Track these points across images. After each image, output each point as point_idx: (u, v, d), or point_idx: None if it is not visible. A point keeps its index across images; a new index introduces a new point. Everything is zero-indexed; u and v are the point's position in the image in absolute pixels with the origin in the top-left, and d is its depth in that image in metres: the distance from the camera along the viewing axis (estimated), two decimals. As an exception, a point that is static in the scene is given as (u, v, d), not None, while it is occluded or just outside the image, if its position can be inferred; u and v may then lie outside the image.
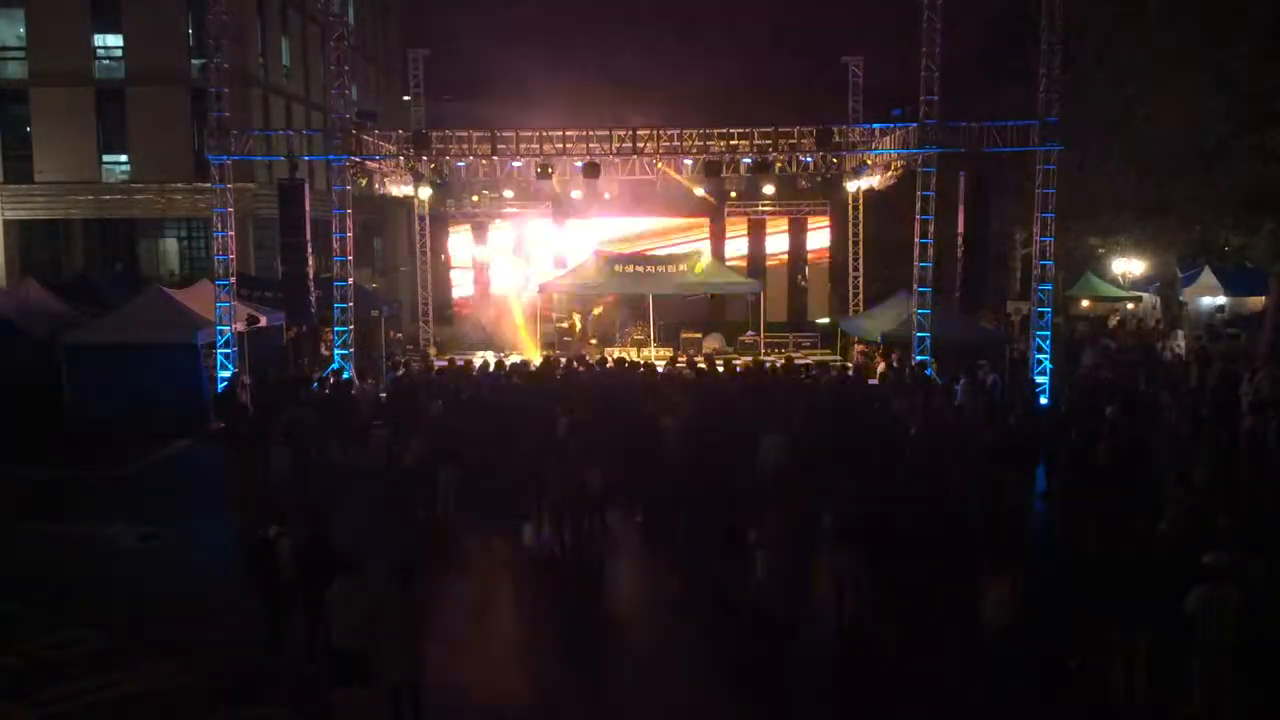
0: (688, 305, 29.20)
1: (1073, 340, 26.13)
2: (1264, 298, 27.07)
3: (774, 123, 23.90)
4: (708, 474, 13.72)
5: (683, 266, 27.78)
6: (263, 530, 10.02)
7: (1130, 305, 35.15)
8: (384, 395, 20.37)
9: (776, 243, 31.08)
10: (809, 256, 31.03)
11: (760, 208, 30.42)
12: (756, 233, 31.07)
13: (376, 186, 25.72)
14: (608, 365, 21.29)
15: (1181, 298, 32.77)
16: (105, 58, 32.42)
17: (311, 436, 16.39)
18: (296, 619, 9.76)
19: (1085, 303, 35.68)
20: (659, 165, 24.43)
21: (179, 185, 31.97)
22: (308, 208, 21.29)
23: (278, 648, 9.84)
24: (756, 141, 24.06)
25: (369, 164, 23.87)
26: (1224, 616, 8.53)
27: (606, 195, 26.76)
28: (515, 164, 24.14)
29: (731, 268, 29.58)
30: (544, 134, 23.65)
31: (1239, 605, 8.56)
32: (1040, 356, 20.76)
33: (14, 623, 11.05)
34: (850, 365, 23.75)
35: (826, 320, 30.42)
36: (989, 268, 24.73)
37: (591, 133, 23.49)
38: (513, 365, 21.03)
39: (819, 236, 30.91)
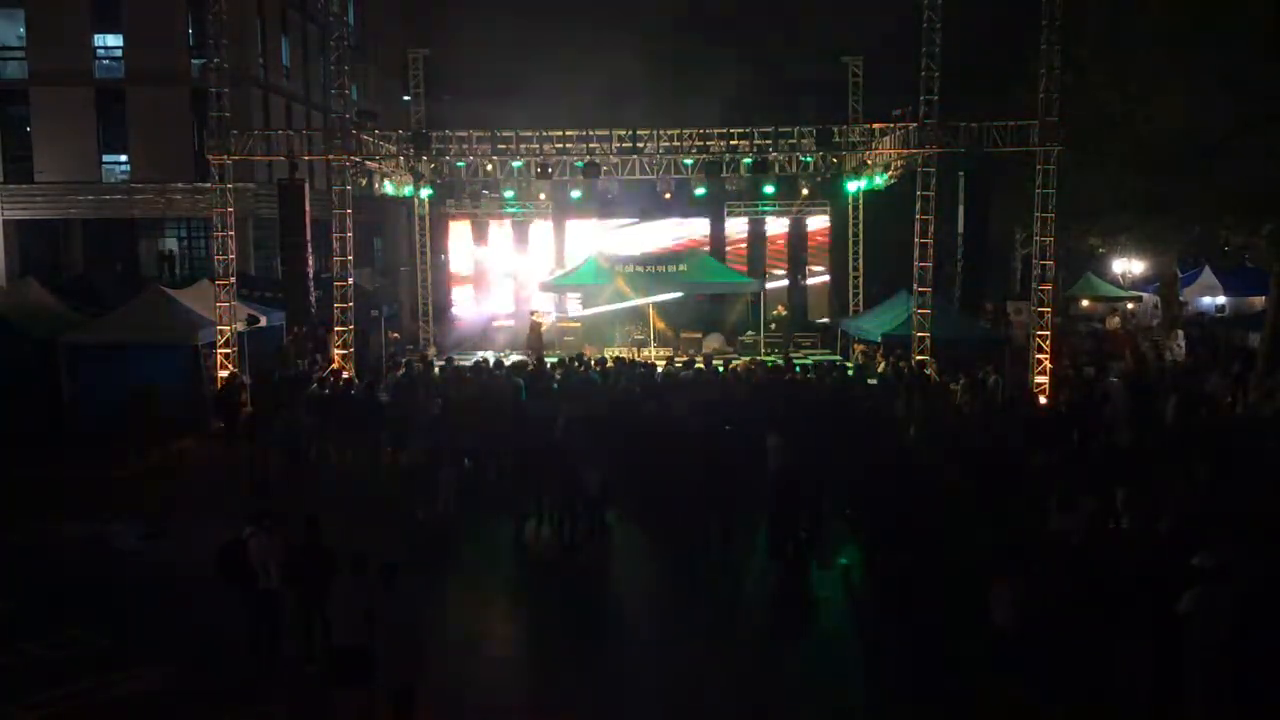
0: (687, 305, 29.15)
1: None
2: (1264, 298, 27.04)
3: (774, 123, 23.89)
4: (714, 473, 13.68)
5: (682, 266, 27.74)
6: (236, 531, 9.96)
7: (1130, 305, 35.14)
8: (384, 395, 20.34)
9: (776, 242, 31.07)
10: (809, 256, 31.04)
11: (760, 208, 30.43)
12: (756, 232, 31.05)
13: (376, 186, 25.69)
14: (607, 365, 21.28)
15: (1182, 298, 32.74)
16: (105, 58, 32.44)
17: (308, 437, 16.37)
18: (289, 619, 9.75)
19: (1085, 302, 35.65)
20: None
21: (179, 185, 31.99)
22: (308, 208, 21.32)
23: (258, 648, 9.82)
24: (756, 141, 24.05)
25: (369, 164, 23.85)
26: (1217, 617, 8.53)
27: (608, 195, 26.75)
28: (515, 164, 24.12)
29: (731, 267, 29.58)
30: (544, 134, 23.66)
31: (1231, 606, 8.56)
32: (1040, 356, 20.74)
33: (14, 623, 11.05)
34: (850, 365, 23.73)
35: (826, 320, 30.41)
36: (989, 268, 24.68)
37: (591, 133, 23.48)
38: (512, 365, 21.02)
39: (819, 236, 30.90)
